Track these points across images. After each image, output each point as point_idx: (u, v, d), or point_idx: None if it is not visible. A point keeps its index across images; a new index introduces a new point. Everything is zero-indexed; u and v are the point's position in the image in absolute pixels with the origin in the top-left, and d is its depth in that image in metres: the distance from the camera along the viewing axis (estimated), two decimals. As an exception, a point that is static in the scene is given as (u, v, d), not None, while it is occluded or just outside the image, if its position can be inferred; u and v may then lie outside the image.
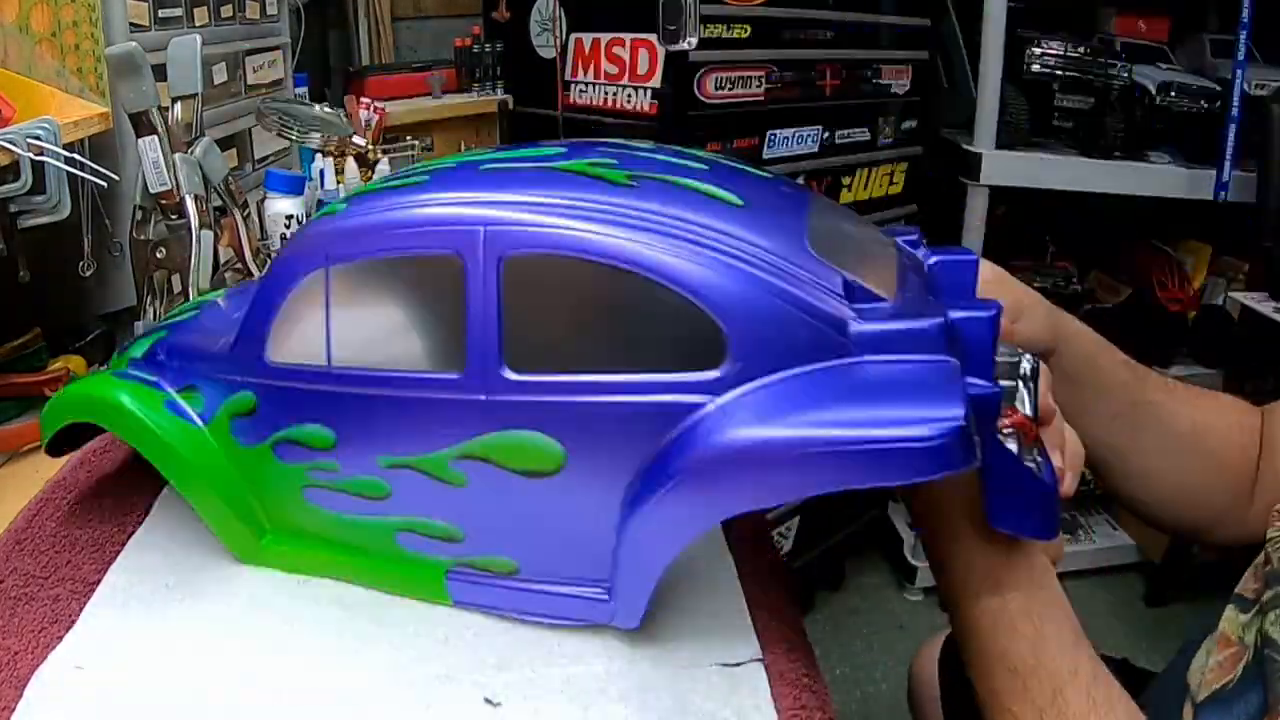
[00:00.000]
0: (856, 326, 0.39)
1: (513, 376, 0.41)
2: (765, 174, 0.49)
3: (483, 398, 0.42)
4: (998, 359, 0.44)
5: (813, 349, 0.39)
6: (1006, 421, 0.45)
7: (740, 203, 0.42)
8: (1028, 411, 0.47)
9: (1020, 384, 0.48)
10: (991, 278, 0.57)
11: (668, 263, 0.39)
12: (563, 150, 0.46)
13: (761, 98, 1.69)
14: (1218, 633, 0.59)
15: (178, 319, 0.56)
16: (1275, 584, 0.55)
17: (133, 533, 0.54)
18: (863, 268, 0.42)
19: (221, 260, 0.87)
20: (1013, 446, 0.44)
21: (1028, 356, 0.48)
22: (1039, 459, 0.46)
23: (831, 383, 0.38)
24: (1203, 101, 1.77)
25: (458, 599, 0.47)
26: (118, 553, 0.52)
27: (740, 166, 0.48)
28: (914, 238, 0.52)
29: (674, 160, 0.46)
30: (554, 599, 0.45)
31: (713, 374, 0.39)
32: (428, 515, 0.46)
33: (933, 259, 0.50)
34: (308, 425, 0.46)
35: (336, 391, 0.45)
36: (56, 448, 0.54)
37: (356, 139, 1.14)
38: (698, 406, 0.39)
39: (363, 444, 0.45)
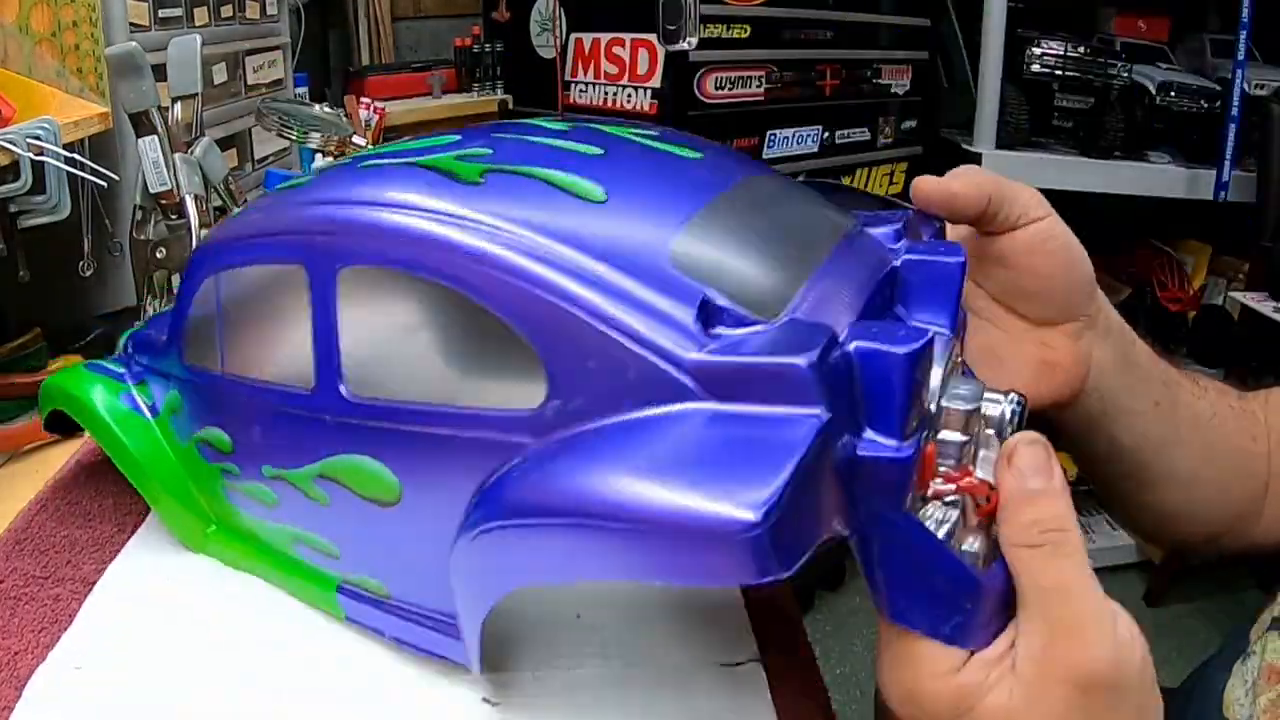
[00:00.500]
0: (696, 359, 0.31)
1: (350, 397, 0.39)
2: (691, 152, 0.41)
3: (328, 418, 0.40)
4: (946, 403, 0.35)
5: (645, 388, 0.32)
6: (954, 486, 0.34)
7: (601, 198, 0.36)
8: (990, 474, 0.36)
9: (985, 436, 0.36)
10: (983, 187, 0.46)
11: (486, 278, 0.34)
12: (456, 139, 0.42)
13: (761, 98, 1.69)
14: (1260, 662, 0.54)
15: (161, 312, 0.57)
16: None
17: (133, 533, 0.54)
18: (752, 276, 0.35)
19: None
20: (947, 519, 0.34)
21: (1009, 398, 0.37)
22: (994, 536, 0.36)
23: (652, 435, 0.31)
24: (1203, 101, 1.77)
25: (349, 615, 0.45)
26: (118, 553, 0.52)
27: (655, 144, 0.42)
28: (897, 226, 0.42)
29: (560, 143, 0.40)
30: (421, 630, 0.42)
31: (531, 410, 0.34)
32: (308, 529, 0.45)
33: (904, 256, 0.40)
34: (212, 428, 0.47)
35: (228, 397, 0.45)
36: (58, 428, 0.55)
37: (357, 139, 1.14)
38: (520, 446, 0.34)
39: (251, 451, 0.45)
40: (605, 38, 1.68)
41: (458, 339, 0.36)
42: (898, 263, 0.40)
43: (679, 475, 0.29)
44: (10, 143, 0.71)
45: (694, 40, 1.42)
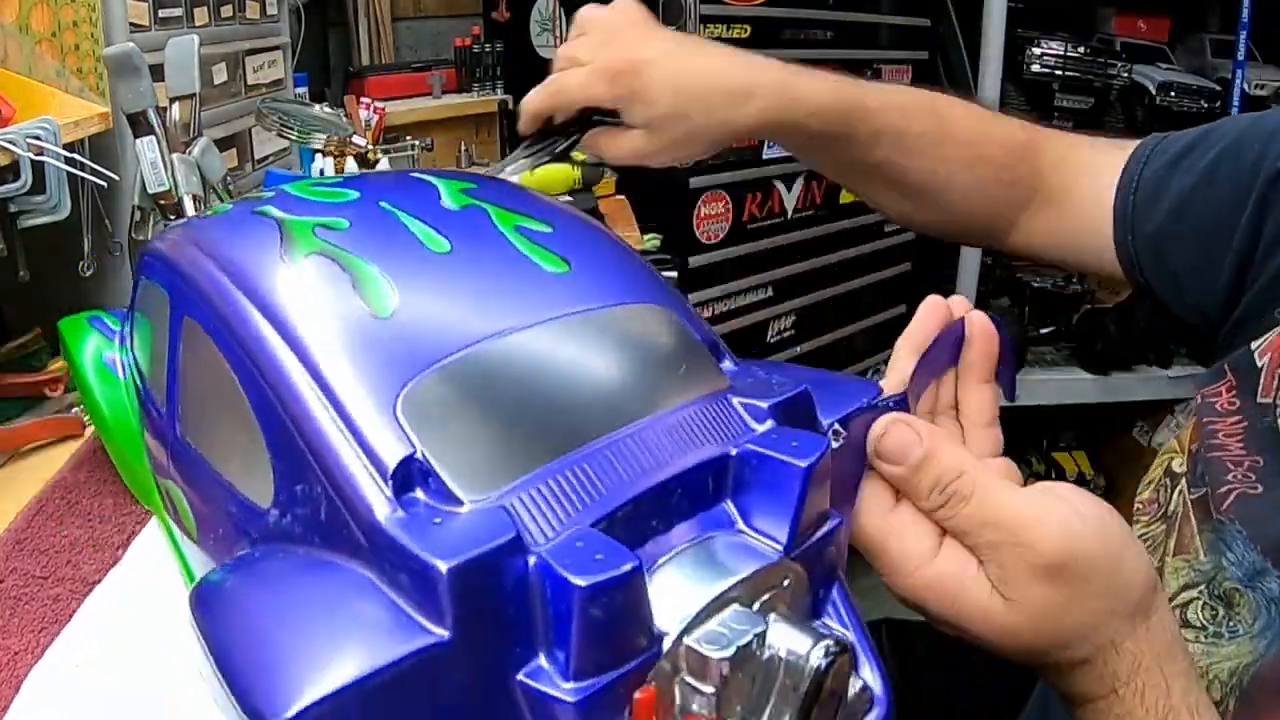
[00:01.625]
0: (374, 522, 0.28)
1: (180, 434, 0.39)
2: (559, 265, 0.37)
3: (170, 444, 0.41)
4: (687, 641, 0.28)
5: (332, 531, 0.29)
6: None
7: (386, 313, 0.33)
8: None
9: (782, 686, 0.29)
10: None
11: (253, 372, 0.33)
12: (350, 198, 0.41)
13: (761, 98, 1.69)
14: None
15: None
16: None
17: (133, 533, 0.54)
18: (486, 439, 0.31)
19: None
20: None
21: (820, 647, 0.29)
22: None
23: (309, 585, 0.29)
24: (1203, 101, 1.77)
25: None
26: (118, 553, 0.52)
27: (521, 246, 0.38)
28: (775, 400, 0.35)
29: (420, 229, 0.38)
30: None
31: (262, 509, 0.33)
32: (173, 531, 0.46)
33: (744, 445, 0.33)
34: (137, 413, 0.49)
35: (140, 394, 0.47)
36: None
37: (357, 139, 1.14)
38: (253, 539, 0.33)
39: (148, 447, 0.47)
40: (605, 38, 1.68)
41: (238, 420, 0.35)
42: (734, 450, 0.33)
43: (276, 642, 0.26)
44: (10, 143, 0.71)
45: (694, 40, 1.42)
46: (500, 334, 0.33)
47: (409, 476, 0.29)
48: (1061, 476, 2.14)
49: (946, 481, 0.37)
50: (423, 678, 0.26)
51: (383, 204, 0.40)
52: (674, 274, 1.09)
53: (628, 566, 0.26)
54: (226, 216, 0.43)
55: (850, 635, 0.35)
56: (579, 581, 0.26)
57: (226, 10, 1.17)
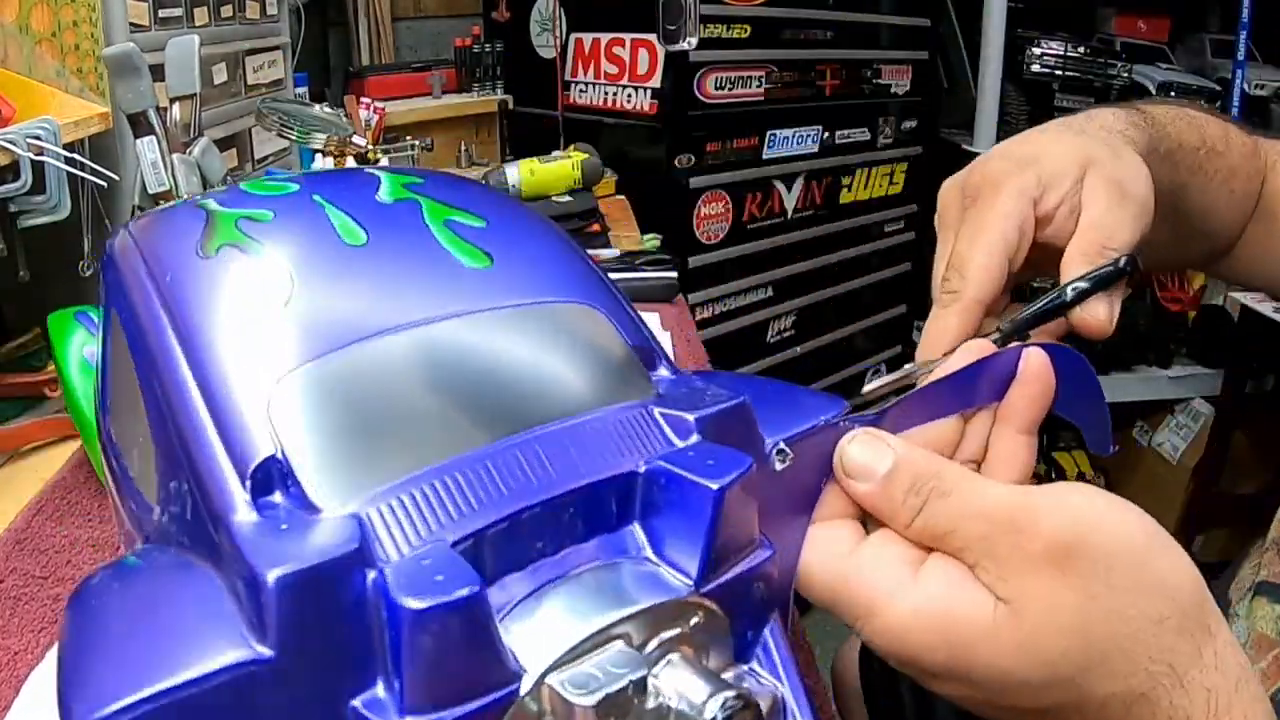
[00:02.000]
0: (232, 525, 0.26)
1: (108, 432, 0.37)
2: (480, 260, 0.35)
3: (102, 442, 0.39)
4: (550, 680, 0.25)
5: (197, 533, 0.28)
6: None
7: (281, 301, 0.31)
8: None
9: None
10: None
11: (149, 364, 0.31)
12: (288, 191, 0.39)
13: (761, 98, 1.69)
14: (1247, 629, 0.50)
15: None
16: None
17: (132, 533, 0.54)
18: (352, 443, 0.28)
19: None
20: None
21: (718, 699, 0.26)
22: None
23: (165, 590, 0.27)
24: (1202, 101, 1.77)
25: None
26: (118, 553, 0.52)
27: (443, 240, 0.35)
28: (708, 412, 0.31)
29: (340, 220, 0.36)
30: None
31: (152, 508, 0.31)
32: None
33: (654, 462, 0.29)
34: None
35: (103, 381, 0.46)
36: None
37: (357, 139, 1.14)
38: (145, 536, 0.32)
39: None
40: (605, 38, 1.68)
41: (138, 414, 0.33)
42: (642, 467, 0.29)
43: (105, 643, 0.25)
44: (10, 143, 0.71)
45: (694, 40, 1.42)
46: (396, 329, 0.30)
47: (269, 479, 0.27)
48: (1061, 476, 2.14)
49: (924, 481, 0.32)
50: (240, 696, 0.24)
51: (315, 197, 0.38)
52: (674, 274, 1.09)
53: (464, 591, 0.24)
54: (172, 209, 0.41)
55: (783, 686, 0.31)
56: (410, 604, 0.23)
57: (226, 10, 1.17)
